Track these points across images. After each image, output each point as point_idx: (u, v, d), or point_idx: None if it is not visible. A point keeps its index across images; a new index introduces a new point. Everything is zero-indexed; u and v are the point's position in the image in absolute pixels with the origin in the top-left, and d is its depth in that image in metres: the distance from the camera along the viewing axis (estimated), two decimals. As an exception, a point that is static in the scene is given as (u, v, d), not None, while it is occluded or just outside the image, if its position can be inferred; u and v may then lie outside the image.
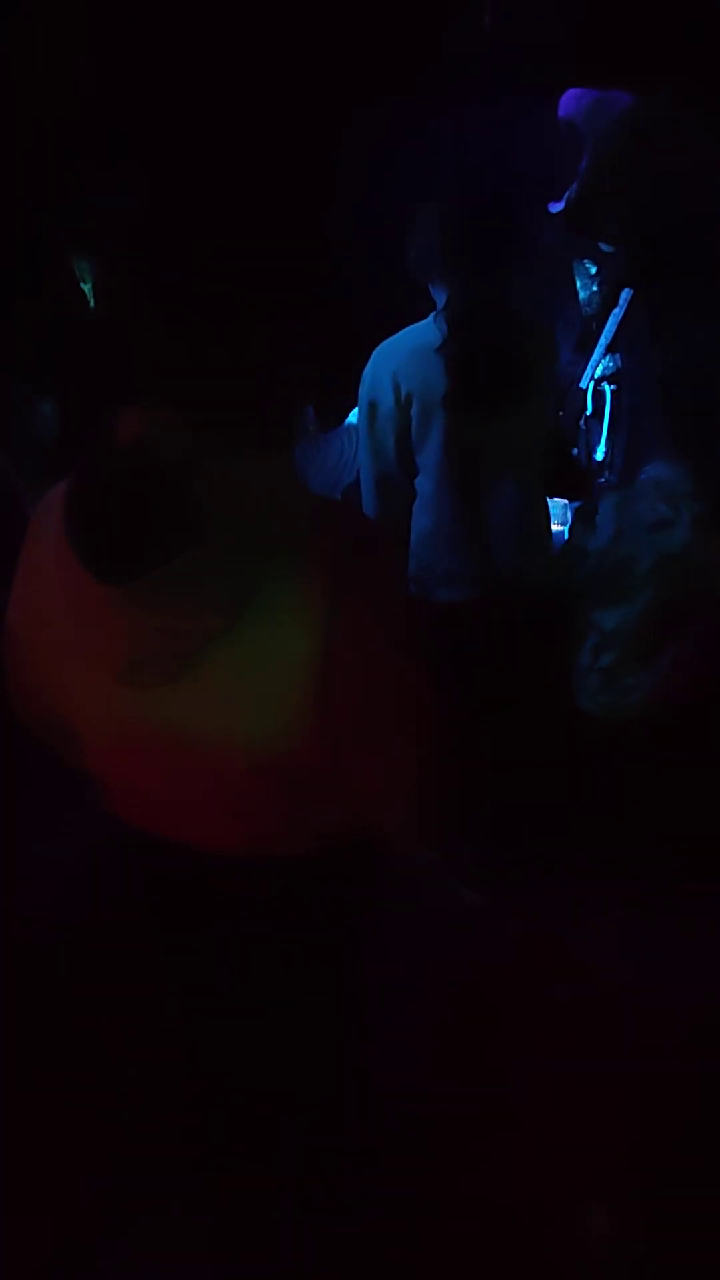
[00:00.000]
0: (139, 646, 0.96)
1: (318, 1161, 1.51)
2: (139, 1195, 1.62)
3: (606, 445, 2.39)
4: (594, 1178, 1.68)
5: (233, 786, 1.04)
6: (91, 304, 2.08)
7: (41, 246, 2.07)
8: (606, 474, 2.31)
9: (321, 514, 1.01)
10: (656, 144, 2.40)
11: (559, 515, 2.29)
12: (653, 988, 1.94)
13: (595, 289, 2.66)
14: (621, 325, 2.57)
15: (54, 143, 2.18)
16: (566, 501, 2.31)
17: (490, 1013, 1.91)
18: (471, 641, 1.96)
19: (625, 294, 2.60)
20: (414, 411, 1.96)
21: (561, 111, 2.43)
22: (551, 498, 2.18)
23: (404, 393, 1.95)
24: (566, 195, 2.58)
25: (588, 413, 2.41)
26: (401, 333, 1.98)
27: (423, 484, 2.03)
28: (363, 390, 2.01)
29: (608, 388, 2.48)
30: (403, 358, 1.96)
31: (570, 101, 2.45)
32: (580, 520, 2.16)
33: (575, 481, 2.22)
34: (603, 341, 2.57)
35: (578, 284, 2.66)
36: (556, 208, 2.58)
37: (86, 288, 2.15)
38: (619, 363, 2.56)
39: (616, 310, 2.60)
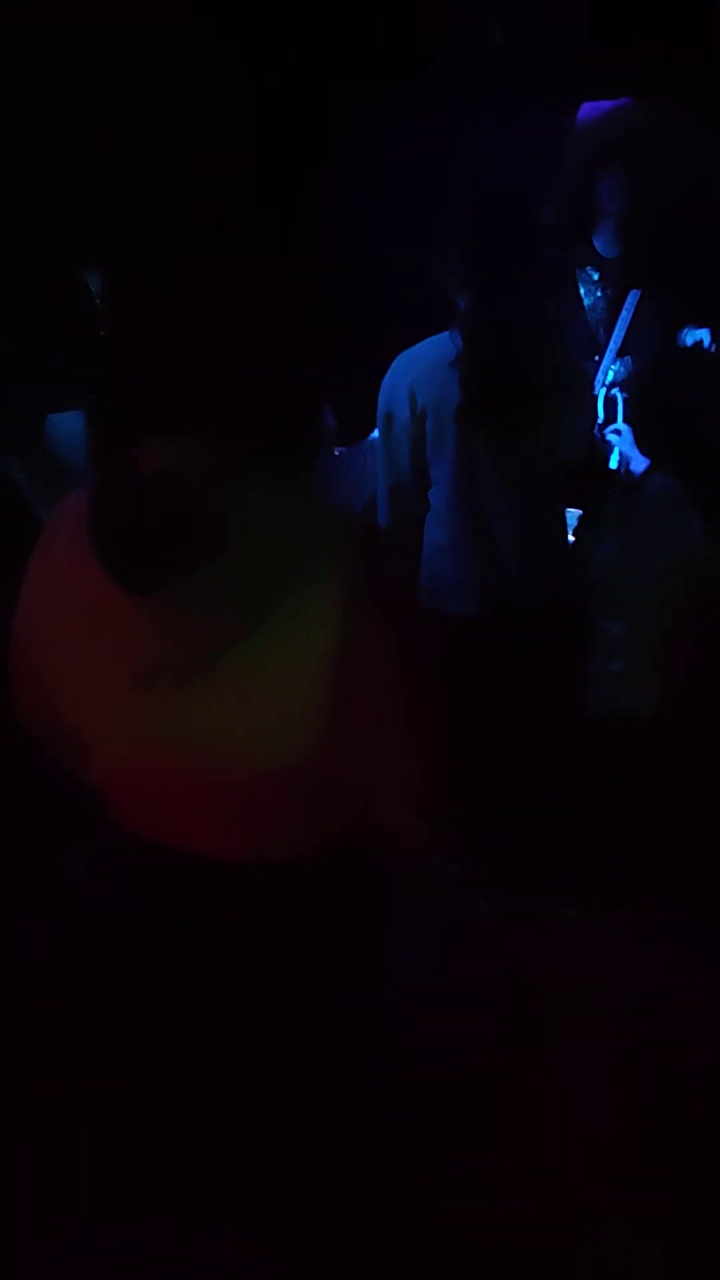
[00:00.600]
0: (156, 653, 0.96)
1: (320, 1172, 1.49)
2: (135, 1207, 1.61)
3: (619, 453, 2.40)
4: (612, 1194, 1.67)
5: (241, 793, 1.04)
6: (103, 315, 2.08)
7: (52, 258, 2.06)
8: (620, 481, 2.31)
9: (339, 525, 1.01)
10: (664, 148, 2.42)
11: (571, 524, 2.29)
12: (670, 997, 1.94)
13: (599, 295, 2.67)
14: (630, 329, 2.58)
15: (62, 154, 2.17)
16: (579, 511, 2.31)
17: (502, 1023, 1.91)
18: (481, 652, 1.96)
19: (631, 298, 2.61)
20: (429, 424, 1.95)
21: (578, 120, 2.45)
22: (569, 508, 2.19)
23: (420, 405, 1.94)
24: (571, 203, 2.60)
25: (599, 420, 2.41)
26: (421, 344, 1.96)
27: (435, 496, 2.03)
28: (381, 400, 2.00)
29: (619, 394, 2.47)
30: (420, 370, 1.94)
31: (583, 112, 2.48)
32: (589, 527, 2.16)
33: (588, 490, 2.22)
34: (612, 347, 2.57)
35: (581, 291, 2.67)
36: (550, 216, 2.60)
37: (96, 298, 2.14)
38: (629, 368, 2.58)
39: (624, 314, 2.61)
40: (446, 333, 1.91)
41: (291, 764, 1.00)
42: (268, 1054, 1.35)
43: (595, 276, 2.66)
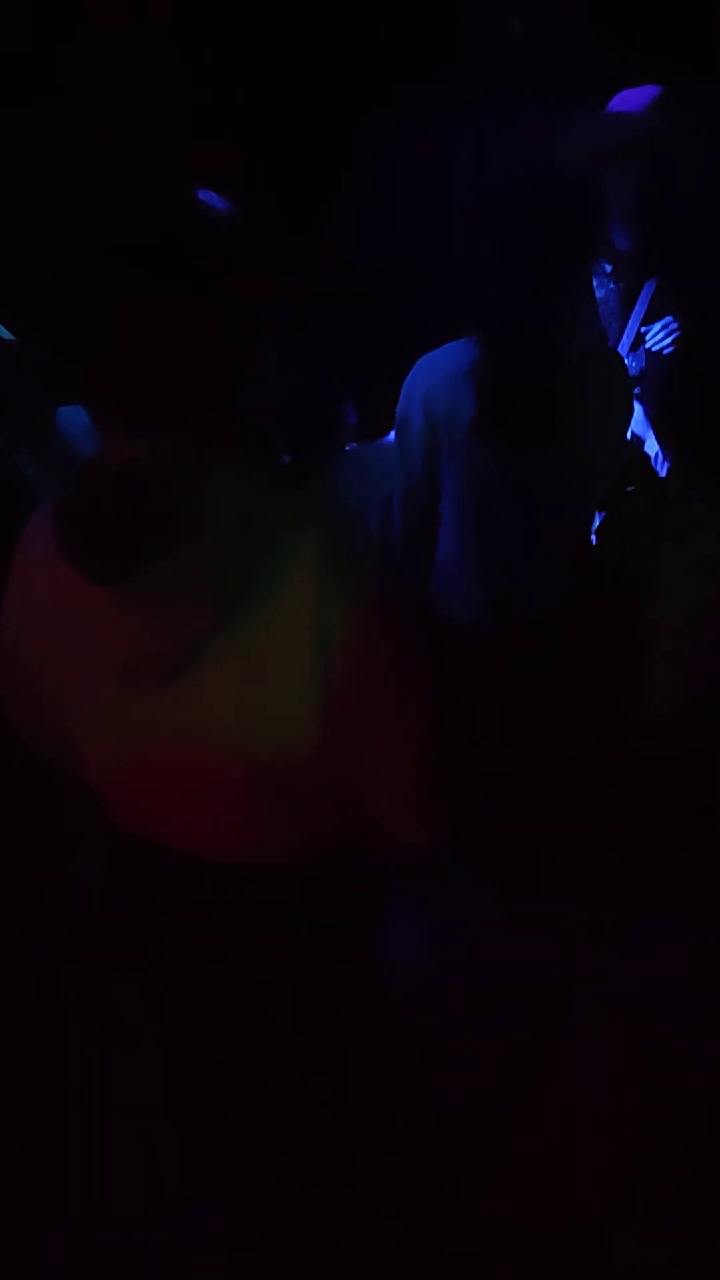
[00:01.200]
0: (133, 646, 0.97)
1: (313, 1176, 1.49)
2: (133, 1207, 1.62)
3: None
4: (617, 1196, 1.67)
5: (233, 790, 1.04)
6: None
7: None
8: (642, 477, 2.28)
9: (315, 514, 1.00)
10: (684, 139, 2.39)
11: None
12: (680, 1002, 1.93)
13: (612, 288, 2.63)
14: (645, 323, 2.55)
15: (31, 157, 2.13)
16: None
17: (508, 1027, 1.90)
18: (490, 661, 1.93)
19: (646, 290, 2.58)
20: (442, 434, 1.89)
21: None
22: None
23: (434, 413, 1.88)
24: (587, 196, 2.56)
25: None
26: (442, 349, 1.90)
27: (445, 508, 1.98)
28: (399, 404, 1.94)
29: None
30: (437, 376, 1.88)
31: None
32: (611, 525, 2.13)
33: (612, 488, 2.18)
34: (626, 340, 2.54)
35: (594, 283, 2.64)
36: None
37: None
38: (642, 362, 2.54)
39: (637, 309, 2.58)
40: (467, 339, 1.86)
41: (282, 759, 1.01)
42: (266, 1053, 1.35)
43: (608, 269, 2.62)
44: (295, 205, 2.44)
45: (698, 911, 2.03)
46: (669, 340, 2.43)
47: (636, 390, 2.45)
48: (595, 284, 2.63)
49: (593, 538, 2.17)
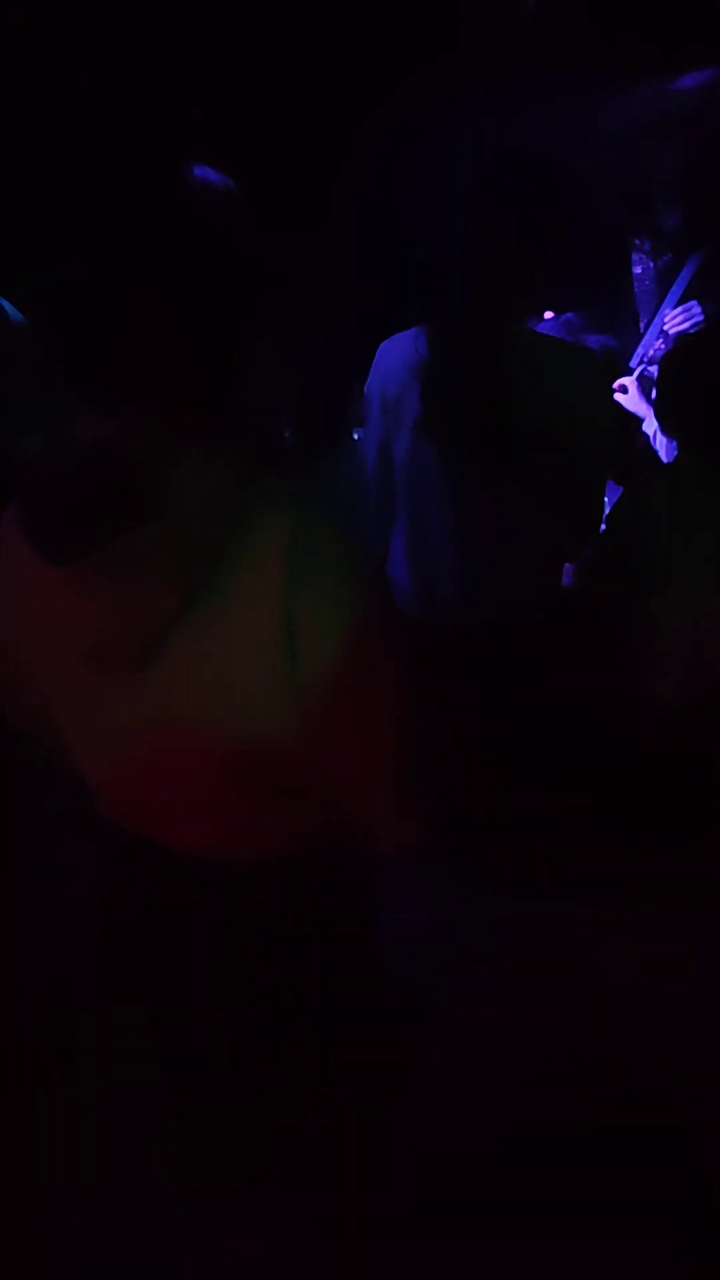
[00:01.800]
0: (96, 628, 0.94)
1: (311, 1180, 1.47)
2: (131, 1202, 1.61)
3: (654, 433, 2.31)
4: (617, 1193, 1.65)
5: (209, 781, 1.02)
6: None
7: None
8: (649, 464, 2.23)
9: (289, 497, 0.97)
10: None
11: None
12: (688, 996, 1.91)
13: (651, 265, 2.56)
14: (682, 302, 2.48)
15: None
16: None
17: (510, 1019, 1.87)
18: (453, 655, 1.86)
19: (687, 270, 2.50)
20: (392, 421, 1.77)
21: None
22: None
23: (387, 400, 1.77)
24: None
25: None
26: (403, 335, 1.77)
27: (397, 502, 1.86)
28: (367, 383, 1.85)
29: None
30: (391, 363, 1.76)
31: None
32: (621, 512, 2.10)
33: (623, 474, 2.13)
34: (657, 322, 2.48)
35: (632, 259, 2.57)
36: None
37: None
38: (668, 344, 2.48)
39: (674, 288, 2.51)
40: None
41: (257, 745, 0.99)
42: (262, 1051, 1.35)
43: (647, 246, 2.56)
44: (297, 188, 2.42)
45: (703, 905, 2.00)
46: (688, 324, 2.37)
47: (649, 371, 2.39)
48: (634, 260, 2.57)
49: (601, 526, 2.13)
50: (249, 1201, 1.49)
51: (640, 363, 2.47)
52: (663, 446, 2.20)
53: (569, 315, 2.62)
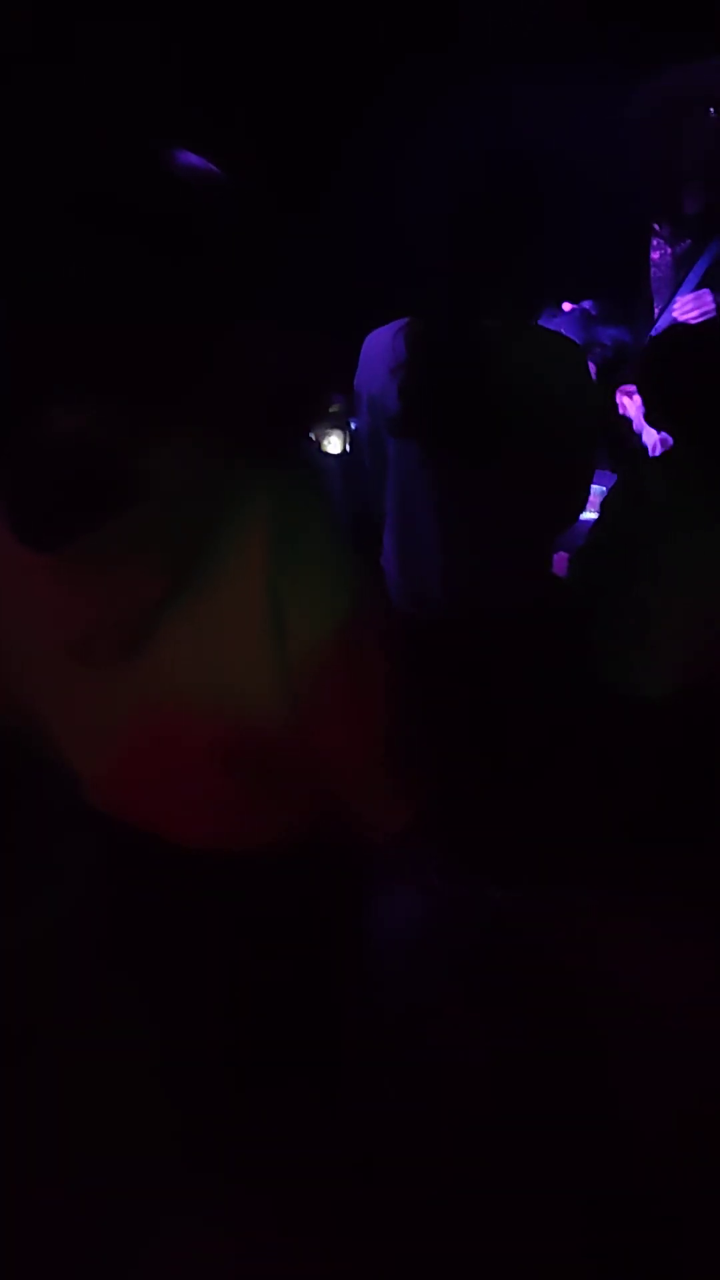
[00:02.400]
0: (82, 619, 0.94)
1: (310, 1169, 1.48)
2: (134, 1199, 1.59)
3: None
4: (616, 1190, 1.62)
5: (200, 769, 1.02)
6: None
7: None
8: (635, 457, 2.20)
9: (274, 482, 0.96)
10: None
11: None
12: (691, 989, 1.90)
13: (669, 251, 2.52)
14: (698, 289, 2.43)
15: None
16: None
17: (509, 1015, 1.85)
18: (443, 646, 1.84)
19: (706, 257, 2.46)
20: (378, 417, 1.74)
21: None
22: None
23: (372, 394, 1.74)
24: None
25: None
26: (384, 330, 1.73)
27: (386, 501, 1.84)
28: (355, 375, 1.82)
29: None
30: (372, 359, 1.73)
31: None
32: (606, 508, 2.08)
33: (614, 467, 2.10)
34: (670, 309, 2.44)
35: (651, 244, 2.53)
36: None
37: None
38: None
39: (692, 275, 2.46)
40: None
41: (246, 730, 0.99)
42: (260, 1049, 1.35)
43: (666, 232, 2.52)
44: (293, 180, 2.42)
45: (702, 898, 1.98)
46: (699, 313, 2.33)
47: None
48: (652, 245, 2.54)
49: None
50: (249, 1192, 1.50)
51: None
52: (651, 439, 2.17)
53: (585, 304, 2.60)
